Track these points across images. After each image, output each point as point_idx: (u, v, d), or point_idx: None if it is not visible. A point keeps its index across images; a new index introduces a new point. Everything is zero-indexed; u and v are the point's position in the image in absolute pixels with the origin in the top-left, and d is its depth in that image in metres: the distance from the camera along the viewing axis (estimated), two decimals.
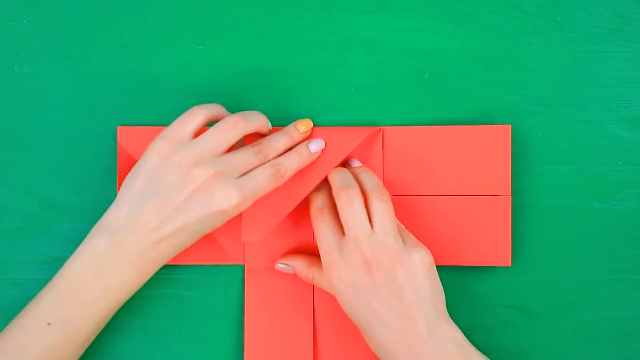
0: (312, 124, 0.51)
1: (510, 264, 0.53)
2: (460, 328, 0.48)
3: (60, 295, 0.46)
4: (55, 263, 0.54)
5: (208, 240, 0.53)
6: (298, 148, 0.51)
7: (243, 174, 0.48)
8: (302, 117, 0.54)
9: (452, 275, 0.54)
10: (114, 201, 0.48)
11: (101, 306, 0.47)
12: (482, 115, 0.54)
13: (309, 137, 0.52)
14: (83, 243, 0.47)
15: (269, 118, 0.53)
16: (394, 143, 0.53)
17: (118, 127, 0.53)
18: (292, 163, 0.50)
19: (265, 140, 0.50)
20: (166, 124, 0.54)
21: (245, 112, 0.50)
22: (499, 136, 0.53)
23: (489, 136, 0.53)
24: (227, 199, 0.47)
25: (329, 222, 0.49)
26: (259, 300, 0.53)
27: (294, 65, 0.54)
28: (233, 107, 0.54)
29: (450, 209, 0.53)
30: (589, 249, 0.54)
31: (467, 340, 0.47)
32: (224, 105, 0.54)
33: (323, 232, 0.49)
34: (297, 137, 0.51)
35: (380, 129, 0.53)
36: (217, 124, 0.49)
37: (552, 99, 0.54)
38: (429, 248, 0.49)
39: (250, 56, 0.54)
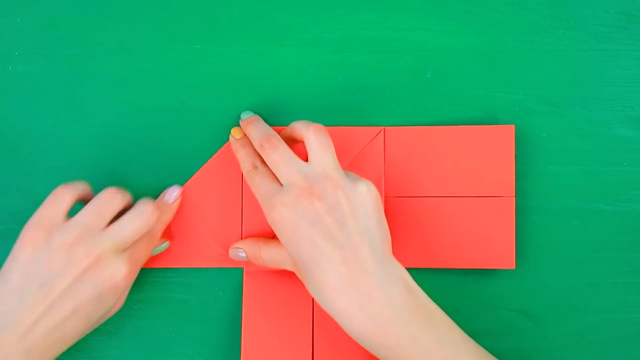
0: (179, 190, 0.52)
1: (514, 267, 0.52)
2: (463, 332, 0.47)
3: None
4: None
5: (206, 243, 0.53)
6: (162, 206, 0.51)
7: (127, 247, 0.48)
8: (302, 117, 0.53)
9: (455, 279, 0.53)
10: None
11: None
12: (486, 115, 0.54)
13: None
14: None
15: (267, 118, 0.53)
16: (395, 144, 0.53)
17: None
18: (161, 221, 0.51)
19: (145, 206, 0.49)
20: (164, 122, 0.53)
21: (113, 188, 0.49)
22: (503, 136, 0.52)
23: (492, 136, 0.52)
24: (118, 271, 0.47)
25: (264, 174, 0.48)
26: (257, 304, 0.52)
27: (294, 64, 0.54)
28: (232, 107, 0.54)
29: (453, 210, 0.52)
30: (594, 252, 0.54)
31: (414, 282, 0.46)
32: (223, 105, 0.53)
33: (259, 183, 0.48)
34: (171, 211, 0.52)
35: (382, 129, 0.53)
36: (93, 200, 0.48)
37: (557, 98, 0.54)
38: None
39: (249, 55, 0.54)
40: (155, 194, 0.53)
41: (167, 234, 0.53)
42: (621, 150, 0.54)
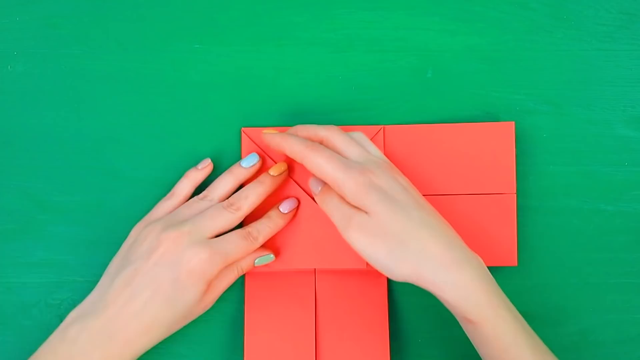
0: (285, 166, 0.51)
1: (516, 264, 0.52)
2: (464, 337, 0.47)
3: None
4: (50, 266, 0.53)
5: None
6: (270, 212, 0.51)
7: (215, 235, 0.49)
8: (302, 117, 0.54)
9: None
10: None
11: None
12: (486, 115, 0.54)
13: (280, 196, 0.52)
14: (57, 329, 0.47)
15: (267, 118, 0.53)
16: (395, 142, 0.53)
17: (242, 129, 0.53)
18: (265, 226, 0.50)
19: (235, 194, 0.50)
20: (163, 122, 0.53)
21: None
22: (503, 133, 0.52)
23: (492, 133, 0.52)
24: (197, 256, 0.47)
25: (334, 194, 0.48)
26: (259, 304, 0.52)
27: (294, 64, 0.54)
28: (232, 107, 0.53)
29: (454, 208, 0.52)
30: (595, 252, 0.53)
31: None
32: (223, 104, 0.54)
33: (330, 202, 0.48)
34: (270, 183, 0.51)
35: (381, 127, 0.53)
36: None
37: (558, 98, 0.54)
38: None
39: (249, 54, 0.54)
40: (154, 194, 0.53)
41: (274, 247, 0.52)
42: (622, 150, 0.53)
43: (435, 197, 0.52)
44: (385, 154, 0.53)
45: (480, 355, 0.46)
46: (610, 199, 0.53)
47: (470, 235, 0.52)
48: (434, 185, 0.52)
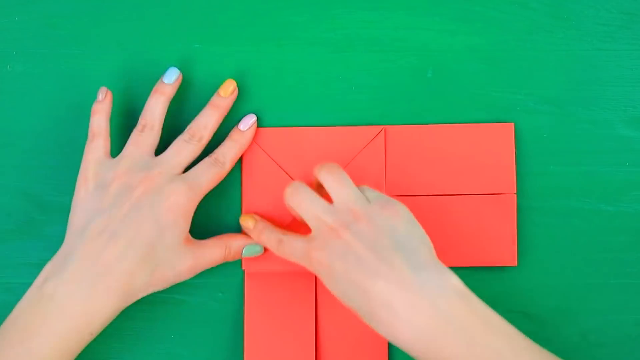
0: (234, 84, 0.51)
1: (516, 264, 0.52)
2: (529, 339, 0.44)
3: (8, 345, 0.44)
4: None
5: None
6: (231, 134, 0.51)
7: (182, 171, 0.48)
8: (301, 116, 0.54)
9: None
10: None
11: (47, 353, 0.43)
12: (487, 115, 0.54)
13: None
14: (31, 287, 0.46)
15: (267, 118, 0.53)
16: (396, 143, 0.53)
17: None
18: (229, 149, 0.50)
19: (192, 123, 0.50)
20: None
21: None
22: (502, 134, 0.52)
23: (492, 134, 0.52)
24: (174, 192, 0.46)
25: (290, 238, 0.47)
26: (259, 305, 0.52)
27: (293, 64, 0.54)
28: (230, 107, 0.53)
29: (455, 208, 0.52)
30: (595, 252, 0.53)
31: (467, 288, 0.43)
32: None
33: (290, 249, 0.47)
34: (224, 103, 0.51)
35: (382, 128, 0.53)
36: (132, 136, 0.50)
37: (558, 98, 0.54)
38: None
39: (248, 54, 0.54)
40: None
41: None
42: (623, 150, 0.53)
43: (436, 197, 0.52)
44: (386, 154, 0.53)
45: None
46: (611, 199, 0.53)
47: (471, 235, 0.52)
48: (434, 186, 0.52)
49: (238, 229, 0.53)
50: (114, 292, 0.45)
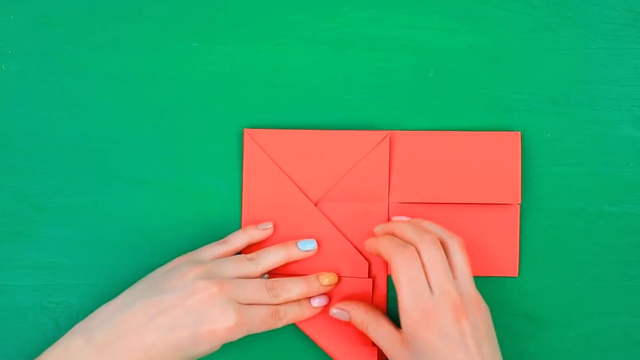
0: (337, 279, 0.51)
1: (517, 275, 0.52)
2: None
3: None
4: (45, 269, 0.53)
5: None
6: (302, 301, 0.51)
7: (247, 304, 0.48)
8: (301, 116, 0.53)
9: None
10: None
11: None
12: (489, 115, 0.53)
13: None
14: (63, 336, 0.47)
15: (267, 118, 0.53)
16: (401, 148, 0.53)
17: (245, 130, 0.53)
18: (293, 312, 0.50)
19: (281, 280, 0.50)
20: (161, 122, 0.53)
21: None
22: (509, 143, 0.52)
23: (499, 143, 0.52)
24: (223, 318, 0.46)
25: (417, 263, 0.47)
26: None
27: (293, 63, 0.54)
28: (230, 106, 0.53)
29: (458, 217, 0.52)
30: (600, 254, 0.53)
31: None
32: (221, 104, 0.53)
33: (408, 270, 0.47)
34: (316, 288, 0.51)
35: (388, 133, 0.52)
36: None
37: (562, 98, 0.53)
38: None
39: (247, 53, 0.54)
40: (151, 193, 0.53)
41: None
42: (628, 150, 0.53)
43: (439, 205, 0.52)
44: (390, 159, 0.52)
45: None
46: (615, 200, 0.53)
47: (473, 244, 0.52)
48: (438, 193, 0.52)
49: (205, 185, 0.53)
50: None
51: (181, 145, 0.53)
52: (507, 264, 0.52)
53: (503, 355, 0.49)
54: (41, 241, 0.53)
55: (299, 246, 0.51)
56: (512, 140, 0.52)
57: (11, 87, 0.53)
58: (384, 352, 0.48)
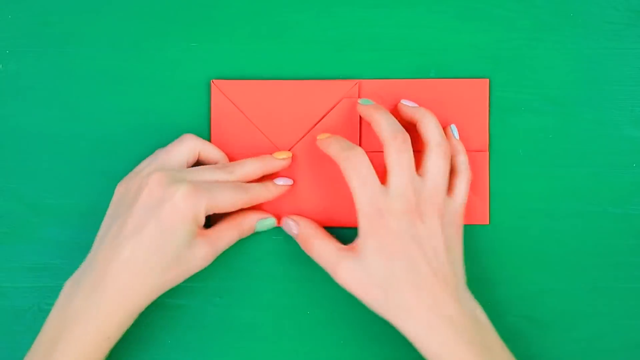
0: (291, 155, 0.52)
1: (488, 222, 0.52)
2: None
3: (40, 346, 0.46)
4: (42, 270, 0.53)
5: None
6: (266, 182, 0.51)
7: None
8: None
9: None
10: None
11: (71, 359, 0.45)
12: (490, 115, 0.53)
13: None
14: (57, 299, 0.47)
15: None
16: (370, 97, 0.52)
17: (212, 81, 0.53)
18: (256, 189, 0.50)
19: (238, 162, 0.50)
20: (160, 122, 0.53)
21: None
22: (477, 90, 0.52)
23: (467, 90, 0.52)
24: (177, 190, 0.46)
25: (366, 163, 0.48)
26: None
27: (293, 63, 0.53)
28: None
29: None
30: (602, 256, 0.53)
31: (487, 318, 0.48)
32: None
33: (357, 165, 0.47)
34: (271, 163, 0.51)
35: (357, 82, 0.53)
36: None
37: (564, 98, 0.53)
38: None
39: (247, 53, 0.53)
40: None
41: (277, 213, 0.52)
42: (630, 151, 0.53)
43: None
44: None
45: None
46: (618, 201, 0.53)
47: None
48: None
49: None
50: (127, 293, 0.46)
51: None
52: (479, 212, 0.52)
53: None
54: (39, 243, 0.53)
55: (277, 182, 0.51)
56: (480, 88, 0.52)
57: (9, 87, 0.53)
58: (326, 267, 0.48)
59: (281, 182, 0.51)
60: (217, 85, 0.52)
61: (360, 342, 0.52)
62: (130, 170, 0.52)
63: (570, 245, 0.53)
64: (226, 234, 0.49)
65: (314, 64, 0.53)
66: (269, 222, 0.51)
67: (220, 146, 0.52)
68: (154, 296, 0.47)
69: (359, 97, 0.52)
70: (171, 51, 0.53)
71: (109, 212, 0.48)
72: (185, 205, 0.46)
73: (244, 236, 0.51)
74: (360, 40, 0.53)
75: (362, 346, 0.52)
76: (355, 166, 0.47)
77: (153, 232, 0.45)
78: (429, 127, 0.49)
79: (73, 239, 0.53)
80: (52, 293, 0.52)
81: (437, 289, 0.46)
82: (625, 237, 0.53)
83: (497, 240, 0.53)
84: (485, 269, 0.52)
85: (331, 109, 0.52)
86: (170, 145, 0.50)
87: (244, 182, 0.49)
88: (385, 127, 0.48)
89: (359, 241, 0.47)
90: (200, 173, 0.48)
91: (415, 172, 0.47)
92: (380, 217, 0.46)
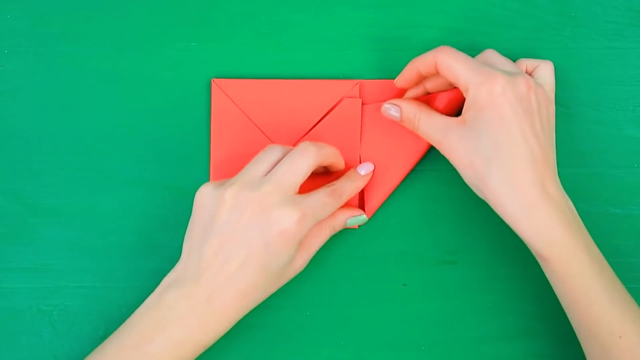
0: (373, 167, 0.52)
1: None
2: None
3: (124, 347, 0.45)
4: (41, 271, 0.53)
5: None
6: (349, 174, 0.51)
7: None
8: None
9: (461, 285, 0.52)
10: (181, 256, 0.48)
11: (162, 358, 0.45)
12: None
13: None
14: (151, 296, 0.47)
15: None
16: (371, 97, 0.52)
17: (213, 80, 0.53)
18: (347, 186, 0.50)
19: (338, 183, 0.50)
20: (159, 123, 0.52)
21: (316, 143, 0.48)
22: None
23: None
24: (285, 217, 0.46)
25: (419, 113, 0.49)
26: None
27: (293, 63, 0.53)
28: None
29: None
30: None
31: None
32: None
33: (458, 54, 0.47)
34: (363, 183, 0.51)
35: (357, 82, 0.53)
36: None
37: (565, 98, 0.53)
38: None
39: (247, 53, 0.53)
40: (149, 195, 0.53)
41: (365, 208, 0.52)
42: (632, 151, 0.53)
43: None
44: (362, 109, 0.52)
45: (555, 292, 0.47)
46: (619, 201, 0.53)
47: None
48: (410, 138, 0.52)
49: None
50: (230, 308, 0.46)
51: (180, 145, 0.53)
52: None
53: (506, 356, 0.49)
54: (38, 243, 0.53)
55: (359, 170, 0.51)
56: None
57: (7, 87, 0.53)
58: (433, 141, 0.48)
59: (364, 171, 0.51)
60: (217, 84, 0.52)
61: (359, 343, 0.52)
62: (130, 169, 0.52)
63: None
64: (318, 238, 0.50)
65: (314, 63, 0.53)
66: (360, 218, 0.51)
67: (220, 146, 0.52)
68: (250, 309, 0.47)
69: (359, 97, 0.52)
70: (171, 51, 0.53)
71: (198, 219, 0.47)
72: (296, 230, 0.46)
73: (335, 233, 0.51)
74: (360, 40, 0.53)
75: (362, 347, 0.52)
76: (449, 52, 0.47)
77: (259, 253, 0.46)
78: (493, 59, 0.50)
79: (72, 239, 0.52)
80: (50, 294, 0.52)
81: (541, 166, 0.46)
82: (627, 237, 0.52)
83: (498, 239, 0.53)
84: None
85: (331, 109, 0.52)
86: (259, 155, 0.48)
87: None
88: (503, 64, 0.49)
89: (468, 112, 0.46)
90: (312, 202, 0.47)
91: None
92: (490, 83, 0.46)
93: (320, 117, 0.52)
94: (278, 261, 0.46)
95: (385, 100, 0.51)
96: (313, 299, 0.53)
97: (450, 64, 0.47)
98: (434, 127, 0.48)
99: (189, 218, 0.51)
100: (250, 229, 0.45)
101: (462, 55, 0.47)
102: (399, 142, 0.52)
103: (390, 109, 0.50)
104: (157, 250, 0.53)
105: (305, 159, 0.47)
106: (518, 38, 0.53)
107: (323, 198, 0.47)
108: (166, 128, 0.53)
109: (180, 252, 0.49)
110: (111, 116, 0.53)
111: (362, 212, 0.51)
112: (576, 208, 0.52)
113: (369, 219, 0.52)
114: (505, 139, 0.45)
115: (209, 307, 0.45)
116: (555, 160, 0.47)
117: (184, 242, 0.47)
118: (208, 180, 0.52)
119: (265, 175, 0.47)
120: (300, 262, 0.49)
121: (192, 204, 0.53)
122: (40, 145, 0.53)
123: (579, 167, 0.53)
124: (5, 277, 0.53)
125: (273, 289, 0.48)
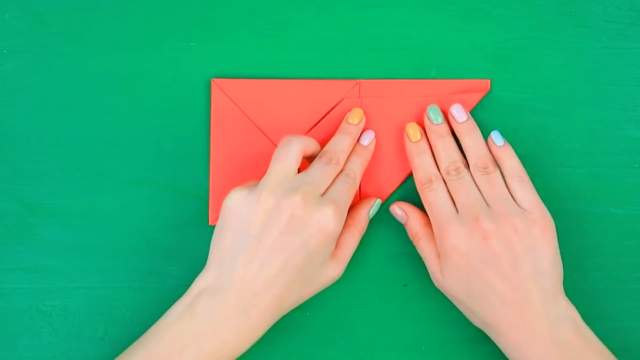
0: (362, 113, 0.51)
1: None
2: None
3: (155, 356, 0.45)
4: (41, 271, 0.53)
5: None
6: (355, 149, 0.51)
7: (324, 191, 0.48)
8: None
9: None
10: (207, 262, 0.47)
11: None
12: (492, 115, 0.53)
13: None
14: (179, 303, 0.46)
15: None
16: (370, 96, 0.52)
17: (212, 80, 0.53)
18: (356, 163, 0.50)
19: (329, 147, 0.50)
20: (158, 122, 0.52)
21: (290, 137, 0.48)
22: (479, 89, 0.52)
23: (468, 90, 0.52)
24: (324, 215, 0.46)
25: (440, 190, 0.49)
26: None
27: (293, 63, 0.53)
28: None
29: None
30: (604, 257, 0.53)
31: (583, 321, 0.46)
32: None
33: (432, 200, 0.49)
34: (354, 130, 0.51)
35: (357, 82, 0.53)
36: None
37: (566, 97, 0.53)
38: None
39: (247, 52, 0.53)
40: (149, 195, 0.52)
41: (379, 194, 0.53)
42: (633, 151, 0.53)
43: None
44: (361, 107, 0.52)
45: None
46: (621, 202, 0.53)
47: None
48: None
49: (204, 186, 0.52)
50: (265, 315, 0.46)
51: (179, 145, 0.53)
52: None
53: (501, 358, 0.49)
54: (37, 243, 0.53)
55: (362, 142, 0.51)
56: (482, 88, 0.52)
57: (7, 87, 0.53)
58: (427, 265, 0.50)
59: (366, 141, 0.51)
60: (217, 84, 0.52)
61: (359, 343, 0.52)
62: (130, 169, 0.52)
63: (571, 245, 0.52)
64: (352, 244, 0.50)
65: (314, 63, 0.53)
66: (377, 205, 0.51)
67: (220, 146, 0.52)
68: (284, 313, 0.47)
69: (359, 97, 0.52)
70: (171, 51, 0.53)
71: (230, 224, 0.47)
72: (334, 227, 0.46)
73: (363, 233, 0.51)
74: (360, 40, 0.53)
75: (362, 347, 0.52)
76: (434, 194, 0.49)
77: (298, 255, 0.45)
78: (507, 158, 0.50)
79: (72, 240, 0.52)
80: (50, 294, 0.52)
81: (516, 308, 0.46)
82: (627, 237, 0.52)
83: None
84: None
85: (331, 109, 0.52)
86: (279, 152, 0.48)
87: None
88: (445, 159, 0.50)
89: (441, 259, 0.49)
90: (325, 182, 0.48)
91: (479, 193, 0.48)
92: (449, 241, 0.47)
93: (320, 117, 0.52)
94: (315, 261, 0.46)
95: (385, 101, 0.51)
96: (313, 299, 0.52)
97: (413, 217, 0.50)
98: (430, 253, 0.49)
99: (188, 218, 0.51)
100: (289, 233, 0.45)
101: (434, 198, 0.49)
102: (399, 141, 0.52)
103: (398, 214, 0.51)
104: (157, 250, 0.52)
105: (331, 170, 0.48)
106: (519, 37, 0.53)
107: (342, 185, 0.48)
108: (166, 128, 0.53)
109: (181, 253, 0.49)
110: (111, 116, 0.53)
111: (375, 199, 0.51)
112: (576, 208, 0.53)
113: (369, 219, 0.51)
114: (472, 288, 0.47)
115: (244, 316, 0.45)
116: (549, 283, 0.46)
117: (212, 249, 0.47)
118: (208, 180, 0.52)
119: (295, 172, 0.47)
120: (336, 272, 0.49)
121: (192, 204, 0.53)
122: (40, 146, 0.53)
123: (579, 167, 0.53)
124: (4, 277, 0.53)
125: (306, 294, 0.48)
